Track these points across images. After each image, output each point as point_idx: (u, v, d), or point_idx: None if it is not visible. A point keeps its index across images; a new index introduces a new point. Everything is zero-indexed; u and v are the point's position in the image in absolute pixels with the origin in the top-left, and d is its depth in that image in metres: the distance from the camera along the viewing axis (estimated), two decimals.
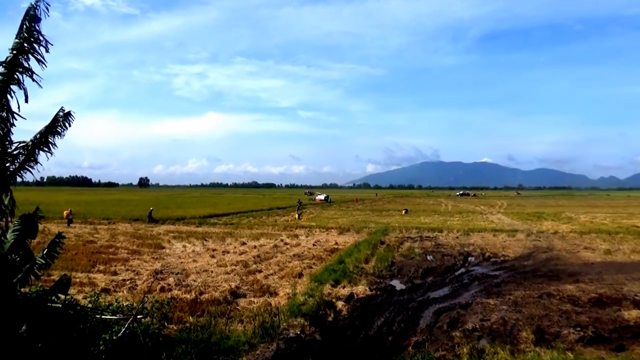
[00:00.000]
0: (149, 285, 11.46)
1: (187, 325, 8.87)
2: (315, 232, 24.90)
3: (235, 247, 17.94)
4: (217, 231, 22.99)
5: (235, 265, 14.49)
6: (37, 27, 6.06)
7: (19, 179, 6.19)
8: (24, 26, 6.07)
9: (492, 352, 8.12)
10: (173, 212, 32.87)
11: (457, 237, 21.74)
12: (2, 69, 5.98)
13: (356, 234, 23.98)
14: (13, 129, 6.16)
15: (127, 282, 12.13)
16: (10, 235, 6.10)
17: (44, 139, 6.33)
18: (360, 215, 36.17)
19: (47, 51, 6.10)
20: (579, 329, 9.12)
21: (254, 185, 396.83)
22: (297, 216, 32.86)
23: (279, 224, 27.63)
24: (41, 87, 6.09)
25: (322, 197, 70.32)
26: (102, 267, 14.07)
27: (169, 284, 11.98)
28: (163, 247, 17.78)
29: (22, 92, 6.01)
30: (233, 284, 12.18)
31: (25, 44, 6.03)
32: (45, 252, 6.40)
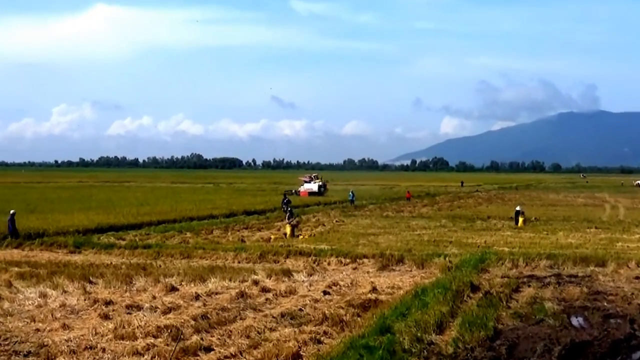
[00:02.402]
0: None
1: None
2: (328, 264, 18.33)
3: (154, 298, 12.70)
4: (116, 262, 18.80)
5: (155, 338, 9.58)
6: None
7: None
8: None
9: None
10: (28, 222, 26.21)
11: (637, 278, 14.86)
12: None
13: (417, 268, 17.58)
14: None
15: None
16: None
17: None
18: (425, 228, 29.12)
19: None
20: None
21: (198, 164, 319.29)
22: (287, 230, 26.12)
23: (251, 247, 21.83)
24: None
25: (311, 185, 61.94)
26: None
27: None
28: None
29: None
30: None
31: None
32: None
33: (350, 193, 50.12)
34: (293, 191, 62.37)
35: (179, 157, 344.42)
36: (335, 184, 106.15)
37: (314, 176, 68.20)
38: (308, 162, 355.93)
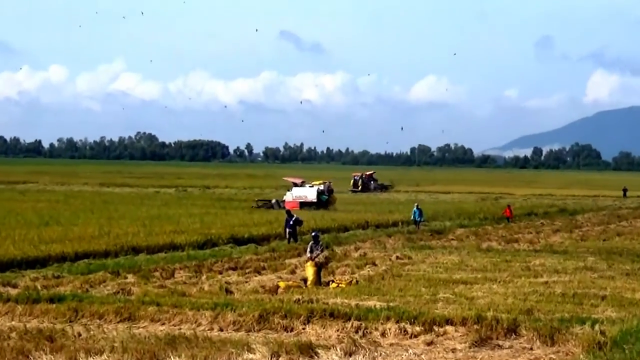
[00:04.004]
0: None
1: None
2: (383, 334, 18.60)
3: None
4: (1, 327, 19.28)
5: None
6: None
7: None
8: None
9: None
10: None
11: None
12: None
13: (542, 344, 17.46)
14: None
15: None
16: None
17: None
18: (558, 271, 30.22)
19: None
20: None
21: (151, 152, 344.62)
22: (308, 273, 27.30)
23: (243, 302, 23.01)
24: None
25: (304, 191, 69.05)
26: None
27: None
28: None
29: None
30: None
31: None
32: None
33: (415, 209, 50.75)
34: (273, 201, 66.63)
35: (116, 138, 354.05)
36: (397, 190, 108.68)
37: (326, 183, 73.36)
38: (347, 150, 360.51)
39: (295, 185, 71.01)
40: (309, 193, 66.64)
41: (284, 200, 65.86)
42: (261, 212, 58.45)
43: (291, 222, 39.89)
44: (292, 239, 39.64)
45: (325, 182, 72.56)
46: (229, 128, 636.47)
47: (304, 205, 63.98)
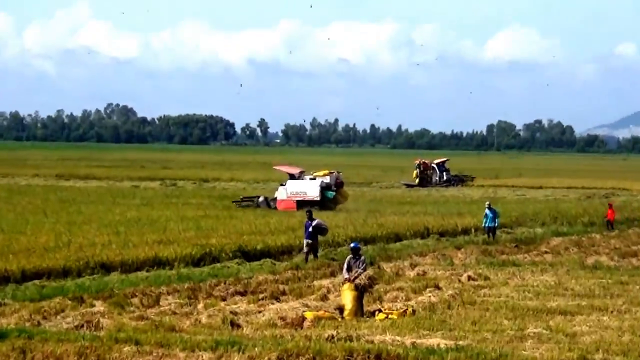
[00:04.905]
0: None
1: None
2: None
3: None
4: None
5: None
6: None
7: None
8: None
9: None
10: None
11: None
12: None
13: None
14: None
15: None
16: None
17: None
18: None
19: None
20: None
21: (126, 132, 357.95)
22: (347, 300, 27.64)
23: (256, 340, 22.73)
24: None
25: (301, 185, 69.92)
26: None
27: None
28: None
29: None
30: None
31: None
32: None
33: (487, 210, 50.68)
34: (260, 199, 67.74)
35: (78, 113, 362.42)
36: (470, 185, 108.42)
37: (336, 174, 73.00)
38: (399, 129, 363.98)
39: (292, 177, 70.81)
40: (310, 188, 66.66)
41: (275, 199, 66.66)
42: (280, 216, 58.14)
43: (310, 229, 39.28)
44: (311, 254, 39.28)
45: (332, 172, 70.87)
46: (235, 98, 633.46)
47: (303, 204, 63.46)
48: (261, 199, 67.74)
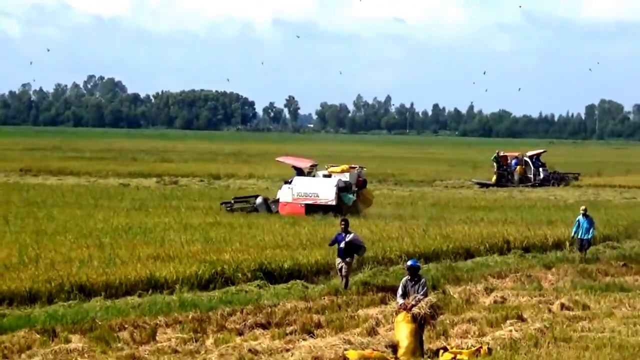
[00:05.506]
0: None
1: None
2: None
3: None
4: None
5: None
6: None
7: None
8: None
9: None
10: None
11: None
12: None
13: None
14: None
15: None
16: None
17: None
18: None
19: None
20: None
21: (114, 113, 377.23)
22: (402, 334, 27.97)
23: None
24: None
25: (309, 184, 69.96)
26: None
27: None
28: None
29: None
30: None
31: None
32: None
33: (581, 217, 50.65)
34: (258, 201, 69.07)
35: (50, 89, 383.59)
36: (575, 184, 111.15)
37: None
38: (471, 109, 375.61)
39: (300, 172, 69.61)
40: (323, 189, 65.58)
41: (278, 200, 66.82)
42: (311, 225, 57.44)
43: (342, 245, 38.68)
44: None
45: (353, 167, 70.25)
46: (255, 70, 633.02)
47: (314, 209, 63.99)
48: (259, 200, 67.12)
